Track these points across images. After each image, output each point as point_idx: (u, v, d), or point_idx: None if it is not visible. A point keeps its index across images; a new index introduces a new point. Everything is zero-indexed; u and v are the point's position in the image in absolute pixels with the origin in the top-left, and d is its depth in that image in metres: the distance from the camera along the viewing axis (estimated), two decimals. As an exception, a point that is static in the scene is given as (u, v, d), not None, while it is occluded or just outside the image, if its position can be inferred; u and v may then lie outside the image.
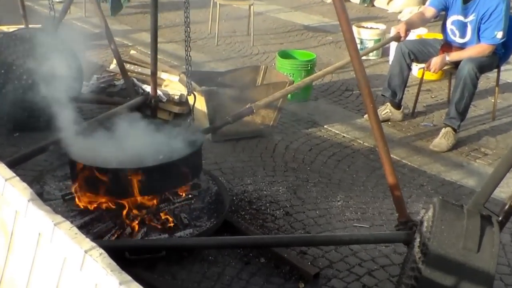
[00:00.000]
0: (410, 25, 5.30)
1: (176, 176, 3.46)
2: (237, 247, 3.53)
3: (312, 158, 4.84)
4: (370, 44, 7.37)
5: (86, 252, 1.69)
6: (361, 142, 5.16)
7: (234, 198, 4.13)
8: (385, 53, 7.56)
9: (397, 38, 5.30)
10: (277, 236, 3.67)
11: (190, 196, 3.77)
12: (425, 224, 2.74)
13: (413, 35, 6.64)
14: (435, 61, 5.15)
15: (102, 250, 1.67)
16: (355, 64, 2.95)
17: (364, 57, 7.14)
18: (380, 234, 3.59)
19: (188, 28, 3.90)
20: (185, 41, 3.90)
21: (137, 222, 3.46)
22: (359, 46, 7.10)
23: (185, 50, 3.93)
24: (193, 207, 3.73)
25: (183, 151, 3.55)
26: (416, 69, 6.53)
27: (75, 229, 1.77)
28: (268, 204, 4.09)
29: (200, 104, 4.86)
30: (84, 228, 3.38)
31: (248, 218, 3.91)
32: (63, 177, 4.04)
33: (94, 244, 1.71)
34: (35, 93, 4.92)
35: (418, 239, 2.75)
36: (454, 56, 5.14)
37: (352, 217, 4.00)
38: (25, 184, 2.08)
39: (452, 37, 5.25)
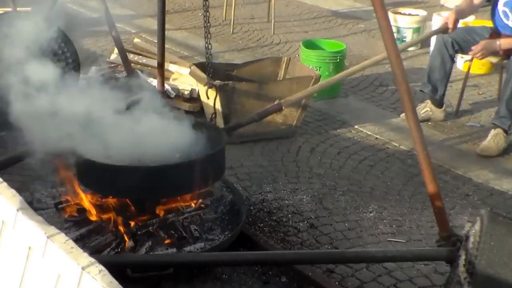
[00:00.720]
0: (460, 14, 5.23)
1: (194, 178, 3.45)
2: (254, 264, 3.53)
3: (341, 163, 4.83)
4: (408, 33, 7.34)
5: (83, 268, 1.69)
6: (397, 145, 5.14)
7: (252, 208, 4.14)
8: (425, 43, 7.51)
9: (444, 29, 5.24)
10: (301, 252, 3.66)
11: (201, 205, 3.77)
12: (471, 239, 2.72)
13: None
14: (484, 45, 5.08)
15: (102, 267, 1.67)
16: (391, 56, 2.93)
17: (401, 48, 7.11)
18: (418, 251, 3.57)
19: (208, 12, 3.93)
20: (205, 27, 3.95)
21: (141, 234, 3.46)
22: (395, 36, 7.07)
23: (205, 37, 3.97)
24: (205, 218, 3.74)
25: (203, 149, 3.55)
26: (461, 61, 6.49)
27: (71, 243, 1.77)
28: (290, 215, 4.09)
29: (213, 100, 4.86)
30: (80, 241, 3.39)
31: (267, 230, 3.91)
32: (56, 183, 4.06)
33: (92, 259, 1.71)
34: (24, 87, 4.96)
35: (463, 257, 2.73)
36: (506, 42, 5.07)
37: (386, 230, 3.98)
38: (13, 191, 2.09)
39: (504, 20, 5.16)
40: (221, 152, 3.62)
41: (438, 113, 5.58)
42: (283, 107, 4.17)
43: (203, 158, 3.44)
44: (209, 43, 3.99)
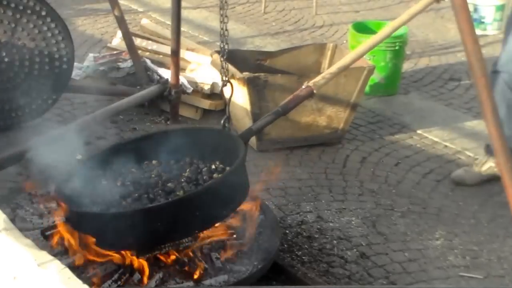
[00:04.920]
0: None
1: (209, 209, 3.42)
2: (290, 302, 3.55)
3: (400, 177, 4.82)
4: (488, 12, 7.28)
5: (83, 305, 1.71)
6: (472, 154, 5.11)
7: (288, 231, 4.15)
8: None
9: None
10: (349, 287, 3.67)
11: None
12: None
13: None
14: None
15: (105, 303, 1.69)
16: (467, 42, 2.93)
17: (479, 32, 7.07)
18: (499, 290, 3.57)
19: None
20: (220, 8, 3.84)
21: (149, 264, 3.49)
22: (473, 16, 7.02)
23: (220, 21, 3.89)
24: (230, 244, 3.75)
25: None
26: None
27: (68, 272, 1.79)
28: (335, 242, 4.10)
29: (241, 97, 4.87)
30: (75, 272, 3.40)
31: (307, 260, 3.92)
32: (44, 197, 4.09)
33: (94, 293, 1.73)
34: (6, 79, 5.02)
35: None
36: None
37: (458, 263, 3.97)
38: (-4, 208, 2.12)
39: None
40: (240, 168, 3.57)
41: None
42: (315, 91, 4.05)
43: (219, 180, 3.47)
44: (225, 29, 3.79)
